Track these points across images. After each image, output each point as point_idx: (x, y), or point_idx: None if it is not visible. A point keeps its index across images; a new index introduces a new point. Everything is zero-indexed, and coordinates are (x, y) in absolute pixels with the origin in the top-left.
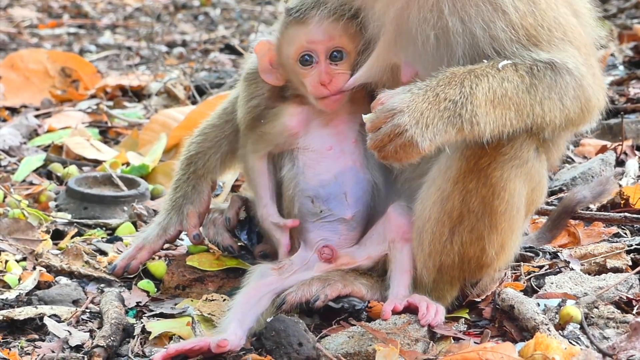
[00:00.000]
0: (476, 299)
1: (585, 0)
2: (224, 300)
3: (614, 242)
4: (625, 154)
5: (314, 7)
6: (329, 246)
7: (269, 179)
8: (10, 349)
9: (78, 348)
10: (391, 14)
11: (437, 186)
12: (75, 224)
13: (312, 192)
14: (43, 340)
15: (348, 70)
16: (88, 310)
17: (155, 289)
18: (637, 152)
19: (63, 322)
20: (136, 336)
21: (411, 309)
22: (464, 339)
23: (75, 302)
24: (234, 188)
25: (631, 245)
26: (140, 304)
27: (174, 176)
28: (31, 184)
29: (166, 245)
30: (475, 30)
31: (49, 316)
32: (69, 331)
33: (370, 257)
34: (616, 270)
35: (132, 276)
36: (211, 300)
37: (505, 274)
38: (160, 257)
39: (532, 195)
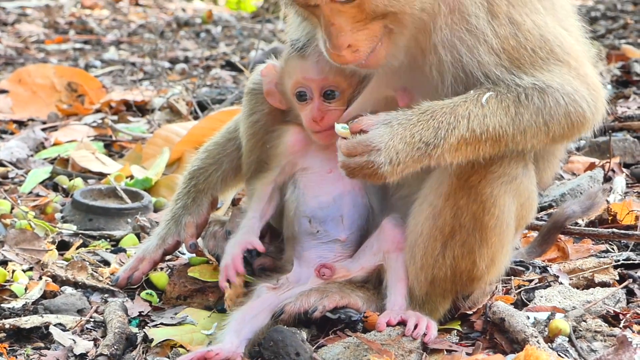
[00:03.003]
0: (468, 312)
1: (574, 20)
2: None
3: (601, 257)
4: (613, 171)
5: (313, 43)
6: (327, 265)
7: (267, 205)
8: (16, 357)
9: (82, 356)
10: (397, 61)
11: (429, 202)
12: (80, 235)
13: (310, 213)
14: (48, 349)
15: (342, 106)
16: (92, 320)
17: (158, 299)
18: (624, 170)
19: (68, 331)
20: (139, 345)
21: (405, 323)
22: (456, 351)
23: (80, 312)
24: (235, 201)
25: (618, 261)
26: (142, 314)
27: (176, 190)
28: (38, 195)
29: (168, 257)
30: (462, 58)
31: (55, 325)
32: (73, 340)
33: (363, 268)
34: (604, 284)
35: (135, 287)
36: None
37: (496, 287)
38: (162, 268)
39: (521, 211)
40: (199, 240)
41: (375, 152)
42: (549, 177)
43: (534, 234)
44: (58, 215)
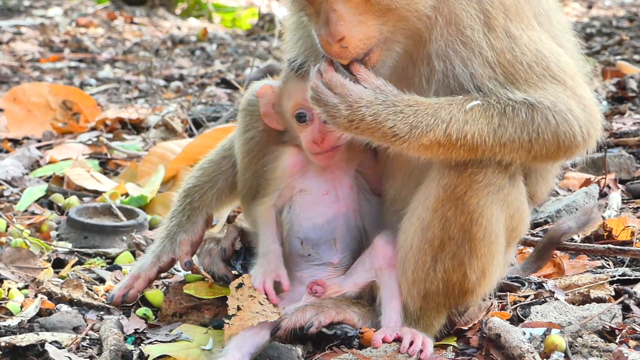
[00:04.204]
0: (464, 327)
1: (570, 36)
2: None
3: (597, 273)
4: (609, 187)
5: (313, 63)
6: (319, 282)
7: (277, 230)
8: None
9: None
10: (386, 70)
11: (417, 216)
12: (75, 253)
13: (303, 235)
14: None
15: None
16: (88, 337)
17: (154, 317)
18: (620, 186)
19: (64, 348)
20: None
21: (401, 339)
22: None
23: (76, 329)
24: (230, 219)
25: (614, 276)
26: (138, 331)
27: (171, 207)
28: (33, 213)
29: (163, 274)
30: (454, 69)
31: (50, 342)
32: (69, 357)
33: (356, 284)
34: (599, 300)
35: (130, 305)
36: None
37: (492, 303)
38: (157, 286)
39: (511, 222)
40: (194, 257)
41: (344, 105)
42: (543, 192)
43: (530, 249)
44: (53, 233)
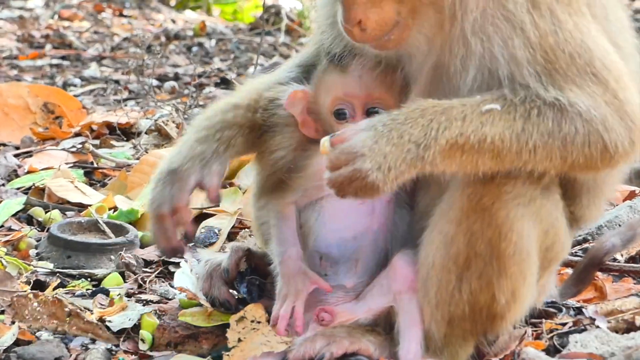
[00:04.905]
0: (494, 359)
1: (628, 36)
2: None
3: None
4: None
5: (355, 55)
6: (326, 309)
7: (297, 225)
8: None
9: None
10: (427, 58)
11: (440, 229)
12: (57, 274)
13: (325, 249)
14: None
15: None
16: None
17: (149, 344)
18: None
19: None
20: None
21: None
22: None
23: None
24: (231, 236)
25: None
26: None
27: (191, 130)
28: (10, 229)
29: (155, 299)
30: (493, 49)
31: None
32: None
33: (370, 310)
34: None
35: (127, 326)
36: None
37: (526, 331)
38: (149, 312)
39: (545, 240)
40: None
41: (360, 159)
42: (592, 216)
43: (568, 271)
44: (33, 252)
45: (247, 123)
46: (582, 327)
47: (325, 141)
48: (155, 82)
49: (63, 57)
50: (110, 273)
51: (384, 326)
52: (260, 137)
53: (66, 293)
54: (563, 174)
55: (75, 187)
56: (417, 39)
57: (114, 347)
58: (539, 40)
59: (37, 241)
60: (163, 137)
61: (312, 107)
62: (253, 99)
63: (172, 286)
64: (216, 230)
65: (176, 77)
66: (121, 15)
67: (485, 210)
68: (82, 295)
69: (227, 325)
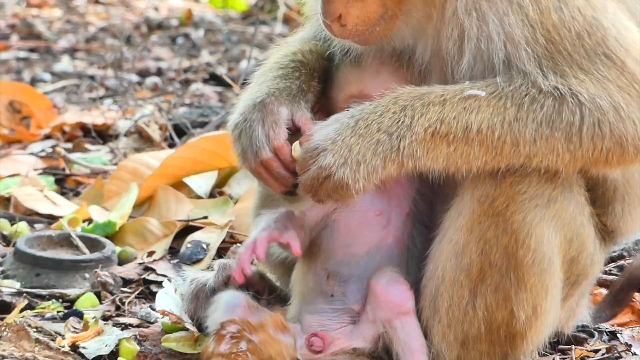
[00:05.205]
0: None
1: None
2: None
3: None
4: None
5: (371, 51)
6: (319, 334)
7: (300, 230)
8: None
9: None
10: (425, 46)
11: (449, 238)
12: (25, 294)
13: (333, 266)
14: None
15: None
16: None
17: None
18: None
19: None
20: None
21: None
22: None
23: None
24: (221, 251)
25: None
26: None
27: (263, 71)
28: None
29: (135, 322)
30: (488, 26)
31: None
32: None
33: (365, 338)
34: None
35: (103, 353)
36: None
37: (553, 358)
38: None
39: (569, 249)
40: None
41: (322, 154)
42: (628, 229)
43: (602, 291)
44: None
45: (318, 67)
46: (617, 355)
47: (296, 145)
48: (135, 78)
49: (31, 50)
50: (84, 293)
51: (384, 353)
52: None
53: (34, 316)
54: (576, 171)
55: (45, 196)
56: (405, 29)
57: None
58: (539, 17)
59: (2, 257)
60: (144, 140)
61: (324, 104)
62: (308, 46)
63: (154, 308)
64: (204, 245)
65: (159, 72)
66: (97, 2)
67: (499, 214)
68: (53, 319)
69: None
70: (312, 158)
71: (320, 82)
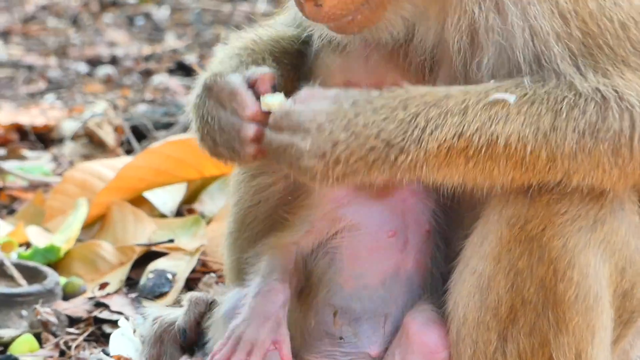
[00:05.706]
0: None
1: None
2: None
3: None
4: None
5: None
6: None
7: (293, 274)
8: None
9: None
10: (428, 35)
11: (472, 269)
12: None
13: (340, 302)
14: None
15: None
16: None
17: None
18: None
19: None
20: None
21: None
22: None
23: None
24: (190, 283)
25: None
26: None
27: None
28: None
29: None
30: (507, 19)
31: None
32: None
33: None
34: None
35: None
36: None
37: None
38: None
39: (621, 281)
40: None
41: (301, 135)
42: None
43: None
44: None
45: (290, 53)
46: None
47: (270, 98)
48: (84, 68)
49: None
50: (20, 335)
51: None
52: None
53: None
54: (627, 188)
55: None
56: (394, 20)
57: None
58: (573, 5)
59: None
60: (95, 145)
61: None
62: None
63: (107, 353)
64: (169, 276)
65: (113, 61)
66: None
67: (533, 239)
68: None
69: None
70: (289, 127)
71: (295, 72)
